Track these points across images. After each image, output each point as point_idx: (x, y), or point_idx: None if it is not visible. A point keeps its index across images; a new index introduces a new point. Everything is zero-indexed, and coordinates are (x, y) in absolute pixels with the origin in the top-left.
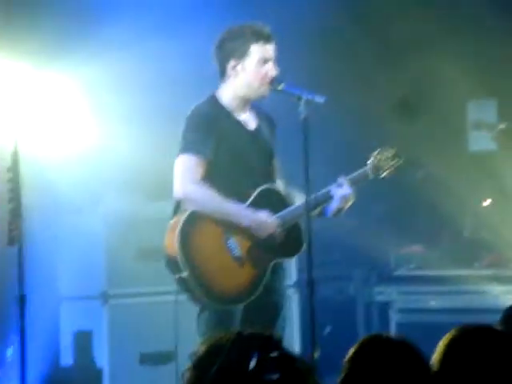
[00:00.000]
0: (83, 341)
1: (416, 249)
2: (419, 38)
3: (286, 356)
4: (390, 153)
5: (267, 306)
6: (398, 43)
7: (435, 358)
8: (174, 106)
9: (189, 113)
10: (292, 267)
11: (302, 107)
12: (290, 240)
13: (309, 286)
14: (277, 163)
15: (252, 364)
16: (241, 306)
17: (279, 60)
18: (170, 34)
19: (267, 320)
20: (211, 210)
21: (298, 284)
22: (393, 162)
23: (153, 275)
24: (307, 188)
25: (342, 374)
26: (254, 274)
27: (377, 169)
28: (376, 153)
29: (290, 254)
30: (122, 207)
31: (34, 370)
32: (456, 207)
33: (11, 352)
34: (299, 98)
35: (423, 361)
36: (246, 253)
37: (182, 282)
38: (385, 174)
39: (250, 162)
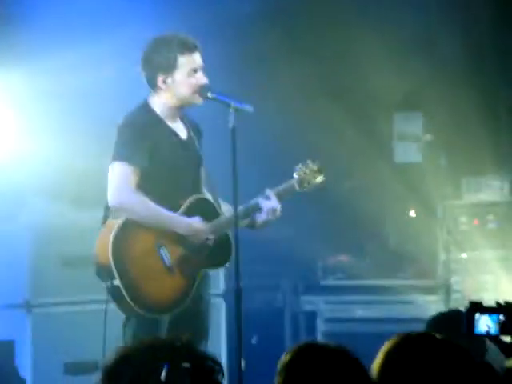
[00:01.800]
0: (5, 350)
1: (343, 258)
2: (347, 47)
3: (199, 367)
4: (314, 167)
5: (194, 314)
6: (326, 52)
7: (375, 366)
8: (100, 113)
9: (121, 120)
10: (220, 276)
11: (230, 115)
12: (219, 250)
13: (236, 295)
14: (204, 172)
15: (163, 375)
16: (168, 315)
17: (209, 68)
18: (99, 39)
19: (193, 329)
20: (145, 218)
21: (225, 293)
22: (316, 177)
23: (77, 284)
24: (235, 197)
25: (278, 382)
26: (183, 283)
27: (302, 182)
28: (301, 166)
29: (220, 264)
30: (46, 215)
31: None
32: (381, 218)
33: None
34: (228, 106)
35: (363, 369)
36: (176, 262)
37: (112, 290)
38: (309, 187)
39: (182, 171)
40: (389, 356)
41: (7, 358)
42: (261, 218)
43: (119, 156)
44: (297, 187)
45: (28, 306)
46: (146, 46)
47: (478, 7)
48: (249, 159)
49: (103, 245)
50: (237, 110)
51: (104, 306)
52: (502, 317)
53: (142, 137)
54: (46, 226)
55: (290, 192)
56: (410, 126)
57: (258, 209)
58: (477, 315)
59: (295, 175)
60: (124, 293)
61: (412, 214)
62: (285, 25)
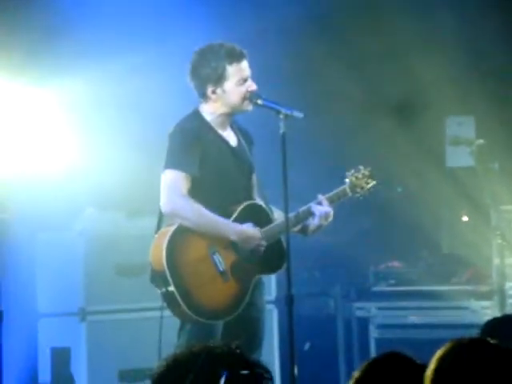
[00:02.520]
0: (61, 357)
1: (395, 264)
2: (396, 52)
3: (257, 374)
4: (366, 172)
5: (248, 321)
6: (374, 56)
7: (429, 372)
8: (154, 123)
9: (172, 128)
10: (271, 283)
11: (281, 122)
12: (272, 256)
13: (287, 301)
14: (255, 179)
15: (222, 382)
16: (222, 321)
17: (259, 74)
18: (156, 47)
19: (248, 335)
20: (198, 225)
21: (277, 300)
22: (369, 182)
23: (131, 292)
24: (286, 203)
25: None
26: (238, 289)
27: (354, 187)
28: (352, 171)
29: (273, 270)
30: (100, 224)
31: None
32: (434, 223)
33: None
34: (278, 113)
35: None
36: (230, 268)
37: (167, 297)
38: (362, 192)
39: (233, 178)
40: (442, 362)
41: (63, 365)
42: (313, 223)
43: (171, 163)
44: (349, 192)
45: (83, 314)
46: (193, 58)
47: None
48: (300, 165)
49: (157, 252)
50: (287, 116)
51: (158, 313)
52: None
53: (192, 144)
54: (101, 234)
55: (342, 197)
56: (463, 131)
57: (310, 214)
58: None
59: (347, 180)
60: (179, 299)
61: (465, 218)
62: (334, 31)
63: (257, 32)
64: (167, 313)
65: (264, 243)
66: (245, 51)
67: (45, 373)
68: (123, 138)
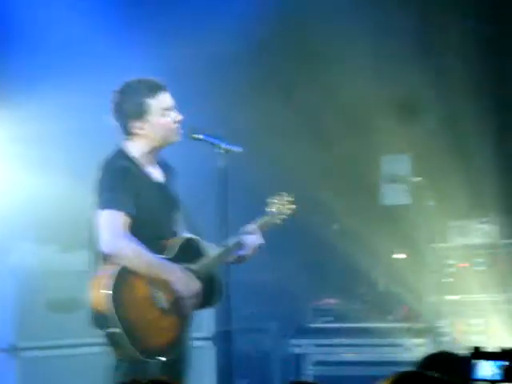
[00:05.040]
0: None
1: (332, 301)
2: (333, 89)
3: None
4: (287, 198)
5: (180, 357)
6: (312, 95)
7: None
8: (85, 156)
9: (100, 167)
10: (209, 319)
11: (219, 156)
12: (208, 291)
13: (225, 338)
14: (183, 213)
15: None
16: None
17: (195, 107)
18: (79, 85)
19: (179, 371)
20: (139, 266)
21: (214, 336)
22: (290, 208)
23: (63, 328)
24: (225, 237)
25: None
26: (179, 325)
27: (278, 214)
28: (274, 198)
29: (210, 304)
30: (32, 259)
31: None
32: (370, 260)
33: None
34: (217, 147)
35: None
36: (171, 305)
37: (112, 337)
38: (282, 217)
39: (162, 214)
40: None
41: None
42: (244, 252)
43: (107, 203)
44: (273, 218)
45: (14, 350)
46: (114, 96)
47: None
48: (234, 198)
49: (100, 293)
50: (226, 150)
51: (91, 350)
52: (506, 363)
53: (124, 183)
54: (32, 269)
55: (268, 225)
56: (398, 169)
57: (240, 246)
58: (480, 360)
59: (270, 208)
60: (125, 339)
61: (400, 256)
62: (269, 64)
63: (186, 64)
64: (98, 350)
65: (198, 281)
66: (163, 84)
67: None
68: (58, 173)
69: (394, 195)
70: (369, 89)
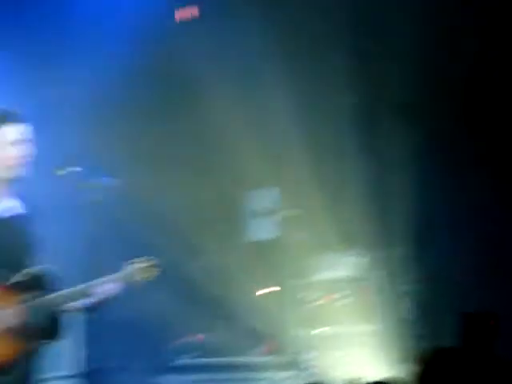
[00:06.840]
0: None
1: (197, 337)
2: (204, 122)
3: None
4: (147, 263)
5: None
6: (181, 127)
7: None
8: None
9: None
10: (73, 357)
11: (94, 190)
12: (47, 327)
13: (88, 376)
14: (34, 250)
15: None
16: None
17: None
18: None
19: None
20: None
21: (78, 375)
22: (147, 273)
23: None
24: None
25: None
26: (21, 350)
27: (132, 275)
28: (132, 262)
29: (49, 339)
30: None
31: None
32: (235, 295)
33: None
34: (89, 182)
35: None
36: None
37: None
38: (136, 280)
39: (8, 251)
40: None
41: None
42: (92, 301)
43: None
44: (127, 278)
45: None
46: None
47: None
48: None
49: None
50: (101, 184)
51: None
52: None
53: None
54: None
55: (119, 281)
56: (265, 203)
57: (88, 293)
58: None
59: (124, 270)
60: None
61: (265, 290)
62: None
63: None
64: None
65: (28, 320)
66: (14, 115)
67: None
68: None
69: (261, 230)
70: (233, 121)
